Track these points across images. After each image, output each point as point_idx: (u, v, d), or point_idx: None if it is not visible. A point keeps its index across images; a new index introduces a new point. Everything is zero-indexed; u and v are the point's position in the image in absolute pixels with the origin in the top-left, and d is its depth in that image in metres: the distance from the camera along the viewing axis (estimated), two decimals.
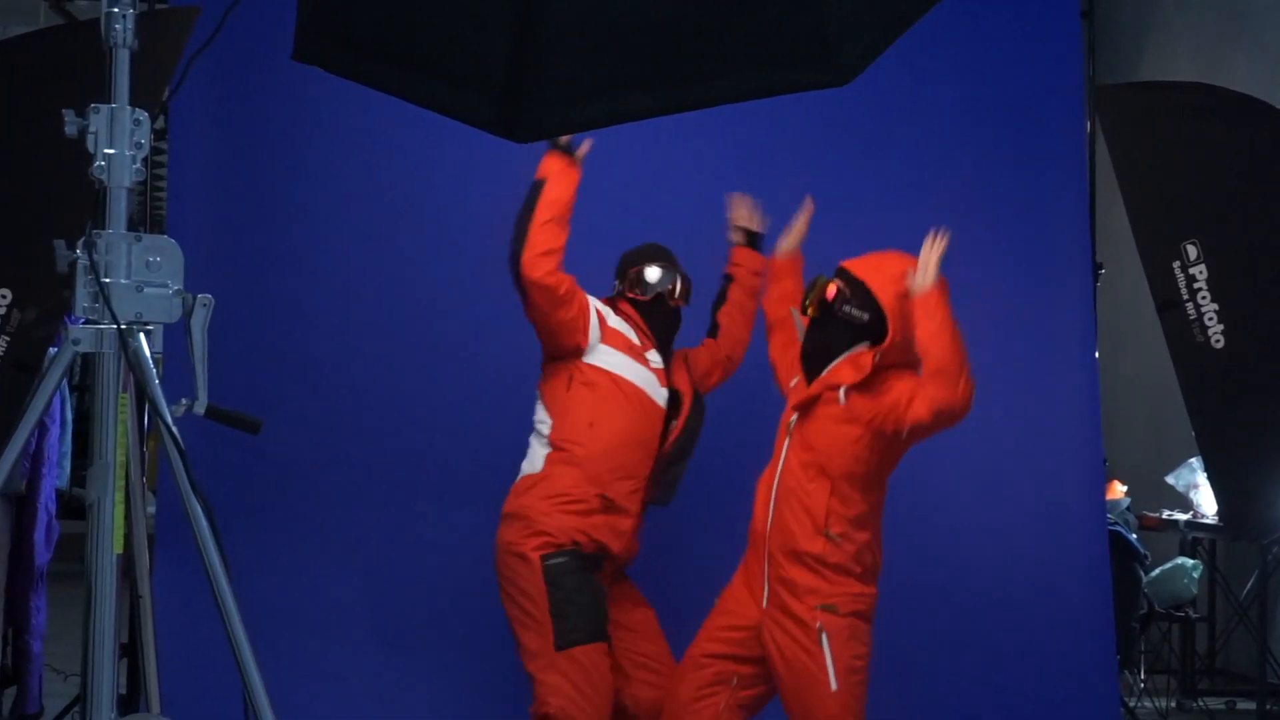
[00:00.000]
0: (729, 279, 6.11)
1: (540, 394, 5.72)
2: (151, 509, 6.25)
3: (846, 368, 5.35)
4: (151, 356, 3.13)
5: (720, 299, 6.09)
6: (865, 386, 5.28)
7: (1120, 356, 10.27)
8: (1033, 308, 7.10)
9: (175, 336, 3.20)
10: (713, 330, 6.08)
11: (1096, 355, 7.33)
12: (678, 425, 5.74)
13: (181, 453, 3.09)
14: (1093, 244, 7.35)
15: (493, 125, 3.83)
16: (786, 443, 5.39)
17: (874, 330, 5.37)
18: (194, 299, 3.18)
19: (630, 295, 5.80)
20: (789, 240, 5.86)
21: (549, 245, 5.47)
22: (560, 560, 5.44)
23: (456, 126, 3.95)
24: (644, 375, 5.69)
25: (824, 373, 5.38)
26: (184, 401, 3.19)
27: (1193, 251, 6.75)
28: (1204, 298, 6.73)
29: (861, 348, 5.38)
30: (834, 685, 5.17)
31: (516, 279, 5.50)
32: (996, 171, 7.21)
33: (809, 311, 5.46)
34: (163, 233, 4.51)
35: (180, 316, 3.17)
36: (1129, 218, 7.00)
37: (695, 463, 5.90)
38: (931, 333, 5.20)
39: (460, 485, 5.93)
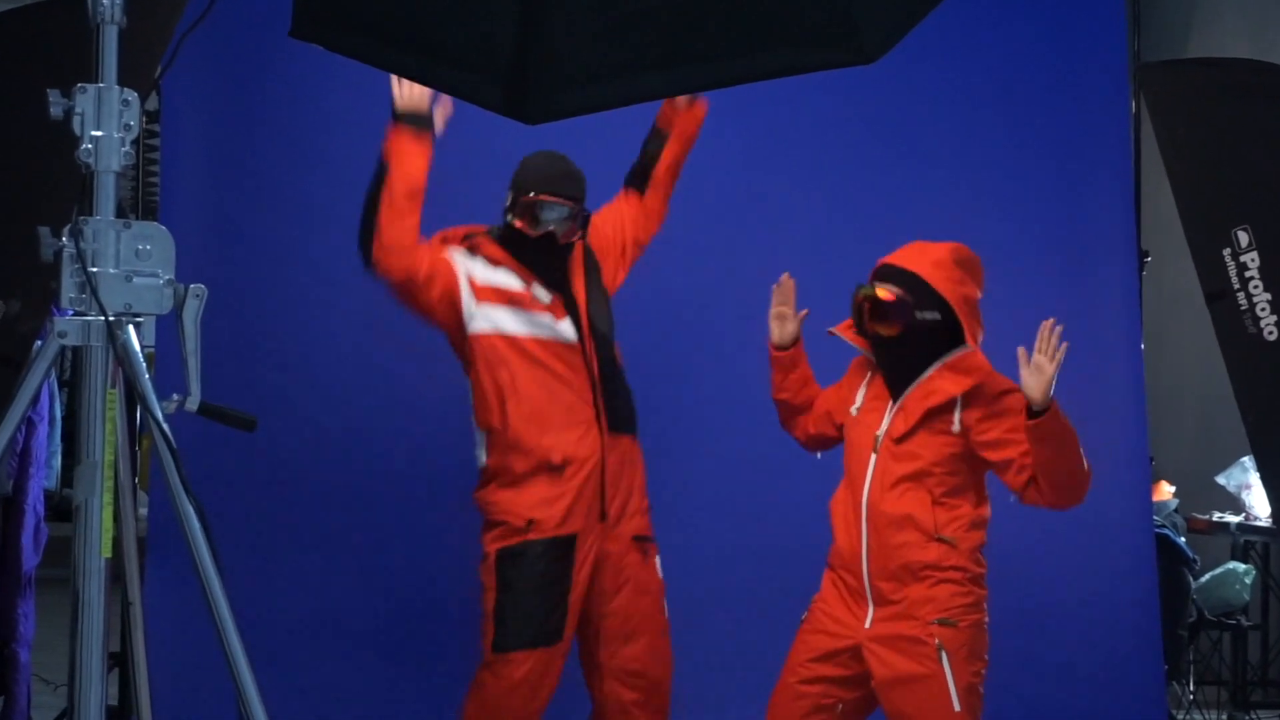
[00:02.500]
0: (661, 135, 5.90)
1: (466, 376, 5.66)
2: (143, 510, 6.27)
3: (946, 381, 5.24)
4: (142, 350, 3.14)
5: (651, 155, 5.91)
6: (975, 398, 5.21)
7: (1167, 349, 10.26)
8: (1074, 298, 7.08)
9: (167, 329, 3.21)
10: (640, 182, 5.92)
11: (1142, 347, 7.33)
12: (589, 346, 5.58)
13: (173, 451, 3.10)
14: (1138, 231, 7.35)
15: (501, 107, 3.84)
16: (873, 462, 5.26)
17: (948, 325, 5.28)
18: (186, 290, 3.18)
19: (516, 225, 5.60)
20: (786, 330, 5.56)
21: (399, 239, 5.38)
22: (517, 553, 5.40)
23: (463, 108, 3.97)
24: (534, 320, 5.54)
25: (913, 387, 5.27)
26: (175, 398, 3.19)
27: (1244, 238, 6.73)
28: (1256, 287, 6.72)
29: (957, 353, 5.29)
30: (957, 706, 5.08)
31: (367, 267, 5.44)
32: (1035, 155, 7.22)
33: (867, 329, 5.31)
34: (154, 219, 4.52)
35: (171, 308, 3.17)
36: (1176, 203, 6.99)
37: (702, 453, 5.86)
38: (1048, 460, 5.01)
39: (466, 486, 5.93)
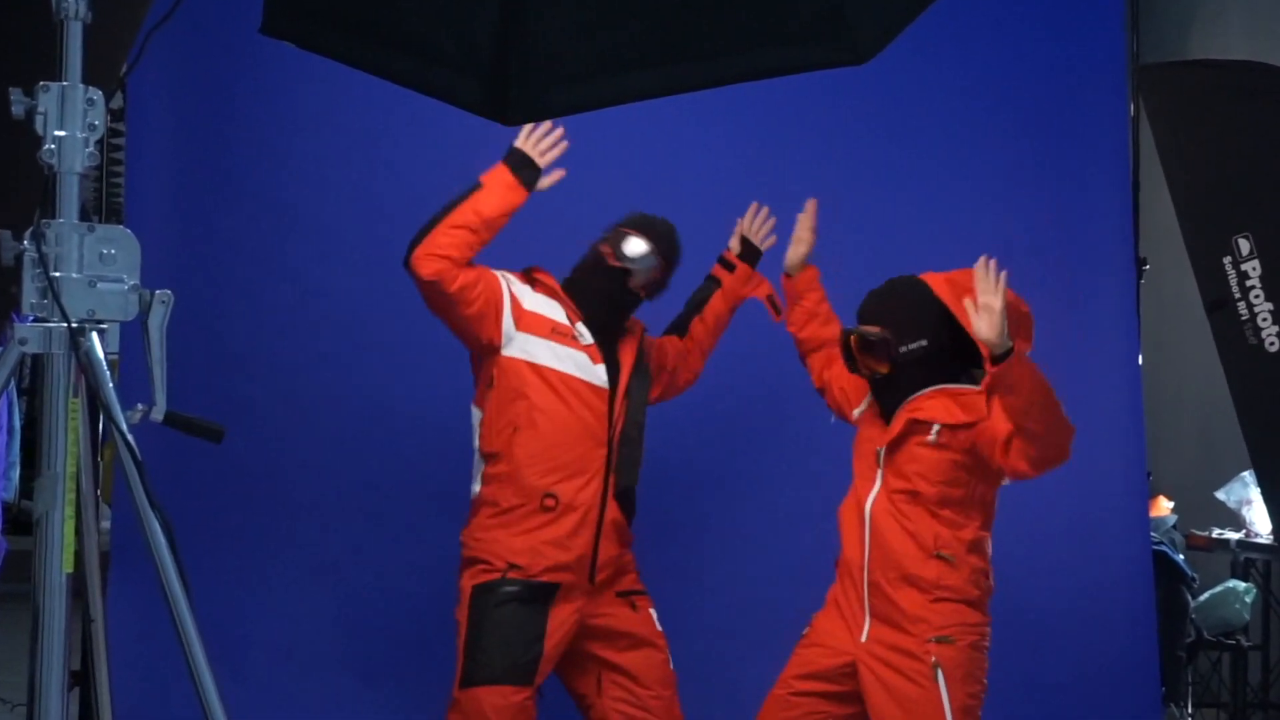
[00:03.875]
0: (715, 283, 6.02)
1: (474, 404, 5.66)
2: (106, 524, 6.25)
3: (937, 404, 5.29)
4: (106, 358, 3.12)
5: (697, 303, 6.01)
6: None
7: (1166, 360, 10.27)
8: (1069, 306, 7.09)
9: (131, 336, 3.20)
10: (680, 329, 5.98)
11: (1140, 359, 7.34)
12: (619, 402, 5.58)
13: (138, 463, 3.09)
14: (1136, 237, 7.36)
15: (480, 107, 3.83)
16: (879, 475, 5.33)
17: (940, 342, 5.33)
18: (152, 295, 3.17)
19: (602, 249, 5.63)
20: (796, 253, 5.77)
21: (447, 251, 5.34)
22: (491, 592, 5.39)
23: (441, 109, 3.95)
24: (571, 356, 5.53)
25: (903, 406, 5.33)
26: (140, 407, 3.18)
27: (1245, 246, 6.76)
28: (1257, 296, 6.74)
29: (957, 386, 5.32)
30: None
31: (405, 264, 5.42)
32: (1030, 158, 7.23)
33: (861, 368, 5.39)
34: (119, 223, 4.51)
35: (137, 314, 3.16)
36: (1175, 209, 7.01)
37: (704, 476, 5.88)
38: (1021, 409, 5.00)
39: (444, 498, 5.91)
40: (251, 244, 6.53)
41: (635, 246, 5.62)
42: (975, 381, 5.29)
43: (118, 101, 6.75)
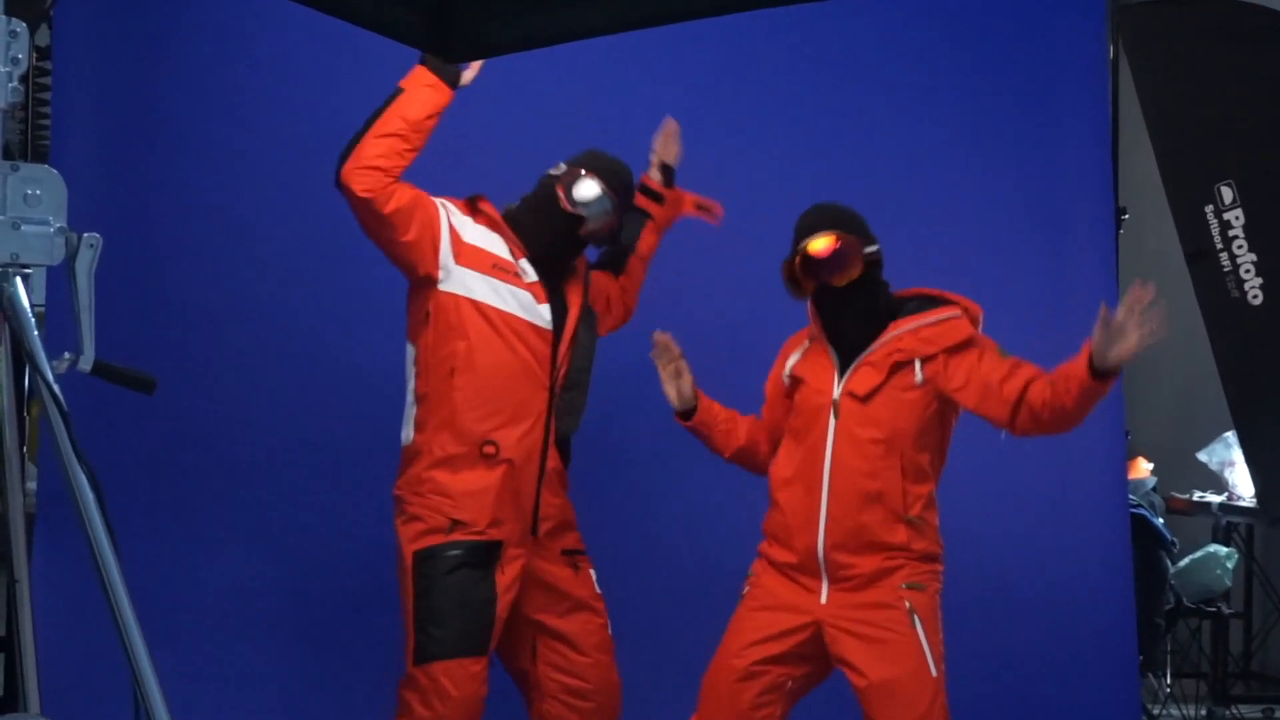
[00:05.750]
0: (643, 215, 5.99)
1: (407, 339, 5.59)
2: (32, 484, 6.24)
3: (911, 338, 5.33)
4: (32, 308, 3.12)
5: (629, 239, 5.98)
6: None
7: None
8: (1046, 258, 7.12)
9: (58, 282, 3.19)
10: (615, 266, 5.95)
11: None
12: (564, 345, 5.53)
13: (64, 414, 3.08)
14: (1115, 186, 7.36)
15: (422, 41, 3.83)
16: (833, 426, 5.32)
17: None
18: (79, 238, 3.17)
19: (558, 190, 5.55)
20: (685, 388, 5.67)
21: (376, 161, 5.29)
22: (436, 559, 5.34)
23: (384, 45, 3.94)
24: (514, 294, 5.47)
25: (877, 347, 5.33)
26: (67, 356, 3.18)
27: (1228, 194, 6.79)
28: (1240, 247, 6.77)
29: (943, 312, 5.37)
30: (934, 671, 5.18)
31: (342, 192, 5.37)
32: (1004, 102, 7.22)
33: (817, 287, 5.36)
34: (45, 162, 4.49)
35: (63, 258, 3.16)
36: (1156, 155, 7.02)
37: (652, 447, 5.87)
38: (1074, 413, 5.16)
39: (391, 455, 5.89)
40: (185, 186, 6.47)
41: (589, 190, 5.54)
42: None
43: (44, 37, 6.71)
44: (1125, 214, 7.54)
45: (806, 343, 5.51)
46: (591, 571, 5.67)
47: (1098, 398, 5.08)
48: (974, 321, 5.40)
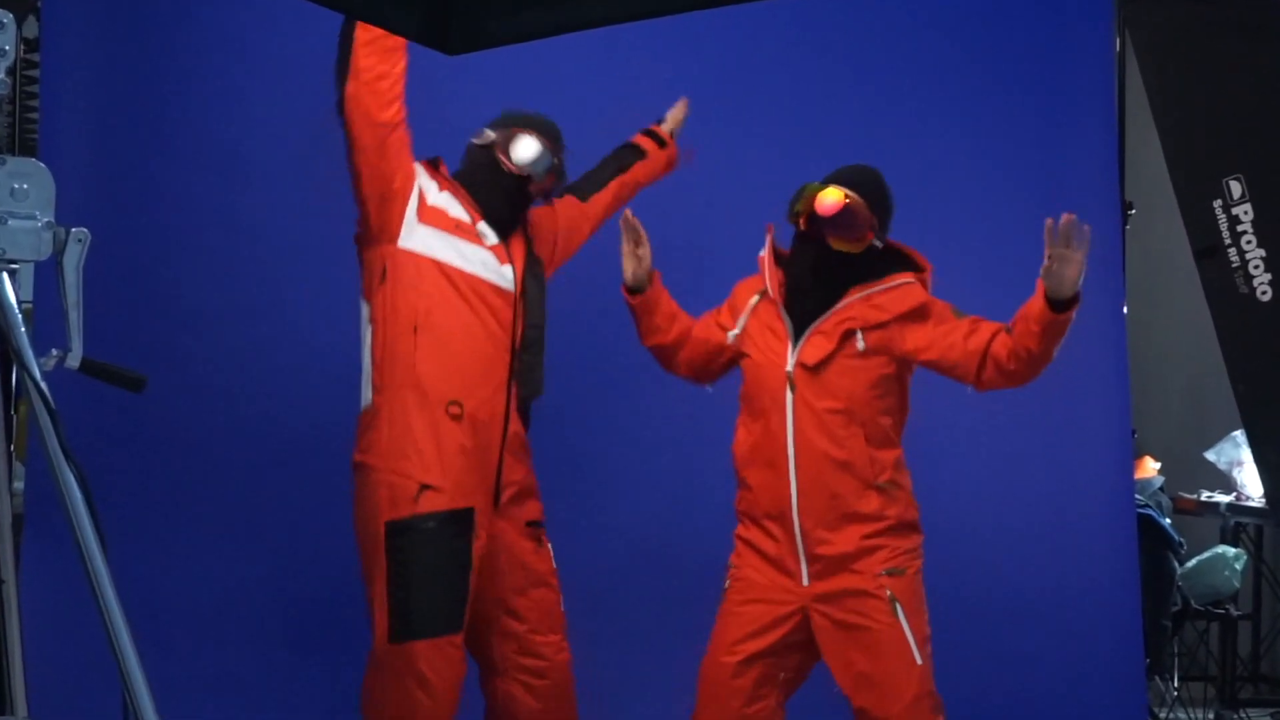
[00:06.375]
0: (637, 152, 6.01)
1: (362, 297, 5.56)
2: (20, 484, 6.23)
3: (863, 305, 5.34)
4: (20, 304, 3.12)
5: (612, 169, 5.99)
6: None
7: (1153, 312, 10.31)
8: None
9: (46, 278, 3.19)
10: (581, 193, 5.92)
11: (1125, 310, 7.36)
12: (519, 306, 5.50)
13: (51, 412, 3.08)
14: (1121, 180, 7.37)
15: (420, 36, 3.82)
16: (790, 399, 5.33)
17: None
18: (67, 233, 3.16)
19: (499, 154, 5.55)
20: (643, 265, 5.60)
21: (378, 69, 5.28)
22: (412, 530, 5.27)
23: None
24: (478, 255, 5.45)
25: (829, 315, 5.33)
26: (55, 353, 3.18)
27: (1236, 189, 6.78)
28: (1249, 242, 6.77)
29: (897, 278, 5.39)
30: (918, 659, 5.20)
31: (343, 120, 5.37)
32: (1011, 96, 7.23)
33: (800, 223, 5.39)
34: (33, 156, 4.49)
35: (51, 254, 3.15)
36: (1164, 150, 7.02)
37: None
38: (1040, 355, 5.19)
39: None
40: (175, 180, 6.47)
41: (529, 148, 5.56)
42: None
43: (33, 30, 6.71)
44: (1132, 209, 7.54)
45: (756, 298, 5.50)
46: (549, 545, 5.63)
47: (1061, 333, 5.12)
48: (924, 285, 5.41)
